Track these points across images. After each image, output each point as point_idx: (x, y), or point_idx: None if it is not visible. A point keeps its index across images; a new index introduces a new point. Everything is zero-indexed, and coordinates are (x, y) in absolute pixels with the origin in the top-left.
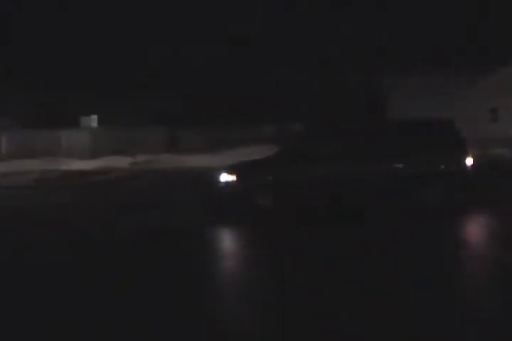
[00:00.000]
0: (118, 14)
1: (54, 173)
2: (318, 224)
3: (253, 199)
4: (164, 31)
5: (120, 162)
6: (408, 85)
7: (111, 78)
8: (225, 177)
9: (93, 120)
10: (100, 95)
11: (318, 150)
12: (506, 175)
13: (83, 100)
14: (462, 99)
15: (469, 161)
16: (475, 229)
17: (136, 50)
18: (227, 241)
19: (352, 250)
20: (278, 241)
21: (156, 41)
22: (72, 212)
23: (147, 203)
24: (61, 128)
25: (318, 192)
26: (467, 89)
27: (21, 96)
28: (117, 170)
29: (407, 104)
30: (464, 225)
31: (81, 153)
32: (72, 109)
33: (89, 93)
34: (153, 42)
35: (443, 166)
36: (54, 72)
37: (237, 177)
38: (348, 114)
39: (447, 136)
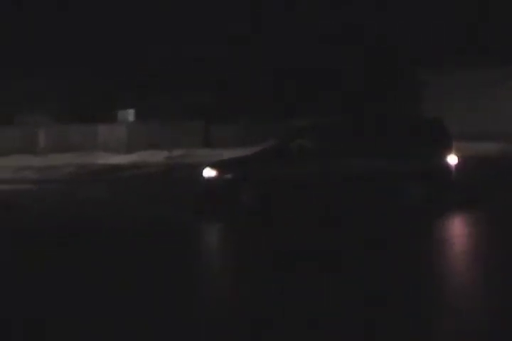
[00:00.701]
0: (152, 11)
1: (90, 167)
2: (295, 221)
3: (233, 194)
4: (196, 30)
5: (155, 156)
6: (440, 83)
7: (148, 73)
8: (208, 173)
9: (130, 114)
10: (138, 89)
11: (301, 147)
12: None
13: (121, 94)
14: (497, 96)
15: (453, 160)
16: (449, 232)
17: (173, 46)
18: (202, 235)
19: (326, 250)
20: (255, 238)
21: (191, 40)
22: (93, 206)
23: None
24: (98, 122)
25: (297, 189)
26: (502, 86)
27: (57, 92)
28: (152, 165)
29: (439, 101)
30: (438, 227)
31: (117, 147)
32: (110, 103)
33: (126, 87)
34: (189, 41)
35: (425, 165)
36: (91, 67)
37: (217, 172)
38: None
39: (431, 135)
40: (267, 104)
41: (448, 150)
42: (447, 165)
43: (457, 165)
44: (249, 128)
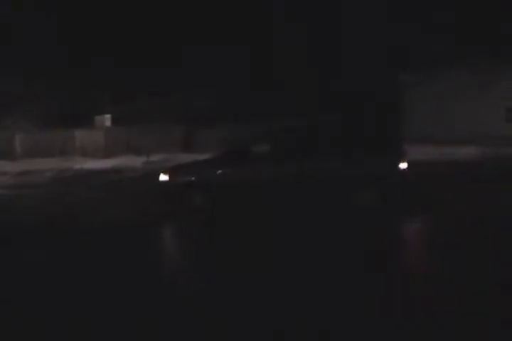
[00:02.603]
0: (134, 14)
1: (67, 172)
2: (244, 224)
3: (186, 197)
4: (177, 31)
5: (134, 161)
6: (423, 84)
7: (125, 77)
8: (161, 177)
9: (107, 119)
10: (114, 94)
11: (257, 151)
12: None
13: (97, 99)
14: (477, 99)
15: (403, 166)
16: (396, 235)
17: (150, 48)
18: (155, 236)
19: (271, 250)
20: (198, 241)
21: (169, 41)
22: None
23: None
24: (75, 127)
25: (249, 192)
26: (482, 89)
27: (35, 96)
28: (130, 170)
29: (426, 102)
30: (387, 230)
31: (95, 152)
32: (86, 108)
33: (103, 92)
34: (167, 42)
35: (378, 169)
36: (68, 72)
37: (171, 176)
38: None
39: (383, 139)
40: (250, 109)
41: (400, 155)
42: (400, 170)
43: (409, 170)
44: (230, 132)
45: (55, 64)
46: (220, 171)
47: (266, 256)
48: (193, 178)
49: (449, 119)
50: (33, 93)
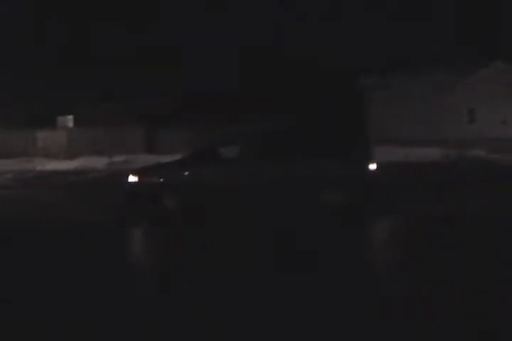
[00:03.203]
0: (102, 12)
1: (29, 174)
2: (213, 224)
3: (154, 198)
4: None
5: (96, 162)
6: (387, 87)
7: (88, 78)
8: (131, 179)
9: (69, 120)
10: (77, 95)
11: (224, 152)
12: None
13: (59, 100)
14: (440, 101)
15: (373, 167)
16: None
17: (112, 49)
18: (125, 236)
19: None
20: (162, 242)
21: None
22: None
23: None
24: (37, 128)
25: (216, 194)
26: (445, 91)
27: None
28: (93, 171)
29: (386, 105)
30: (353, 233)
31: (57, 153)
32: (48, 109)
33: (65, 93)
34: (130, 41)
35: (343, 171)
36: (30, 72)
37: (139, 177)
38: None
39: (351, 141)
40: (214, 111)
41: (369, 157)
42: (369, 172)
43: (378, 172)
44: (194, 134)
45: (17, 64)
46: (188, 172)
47: (240, 255)
48: (161, 179)
49: (412, 120)
50: None
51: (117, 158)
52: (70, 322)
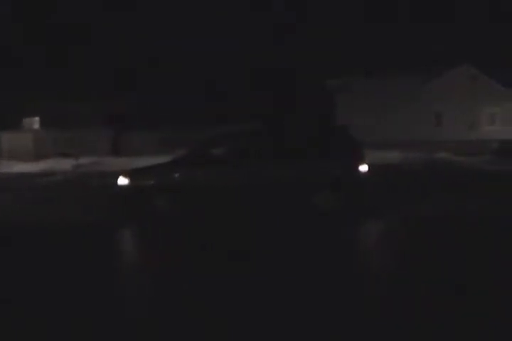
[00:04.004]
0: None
1: None
2: (204, 225)
3: (145, 200)
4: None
5: (63, 164)
6: (355, 89)
7: (55, 79)
8: (121, 181)
9: (35, 121)
10: (43, 97)
11: (212, 155)
12: (415, 182)
13: (26, 101)
14: (407, 104)
15: (363, 168)
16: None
17: (79, 50)
18: (119, 237)
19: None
20: (156, 243)
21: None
22: None
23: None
24: (2, 130)
25: (205, 195)
26: (413, 94)
27: None
28: (59, 173)
29: (352, 110)
30: (345, 234)
31: (23, 155)
32: (14, 110)
33: (31, 94)
34: (99, 44)
35: (334, 173)
36: None
37: (130, 179)
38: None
39: (340, 143)
40: (181, 112)
41: (359, 158)
42: (359, 174)
43: (368, 174)
44: (162, 135)
45: None
46: (178, 174)
47: (236, 256)
48: (152, 181)
49: (379, 123)
50: None
51: (84, 160)
52: (70, 322)
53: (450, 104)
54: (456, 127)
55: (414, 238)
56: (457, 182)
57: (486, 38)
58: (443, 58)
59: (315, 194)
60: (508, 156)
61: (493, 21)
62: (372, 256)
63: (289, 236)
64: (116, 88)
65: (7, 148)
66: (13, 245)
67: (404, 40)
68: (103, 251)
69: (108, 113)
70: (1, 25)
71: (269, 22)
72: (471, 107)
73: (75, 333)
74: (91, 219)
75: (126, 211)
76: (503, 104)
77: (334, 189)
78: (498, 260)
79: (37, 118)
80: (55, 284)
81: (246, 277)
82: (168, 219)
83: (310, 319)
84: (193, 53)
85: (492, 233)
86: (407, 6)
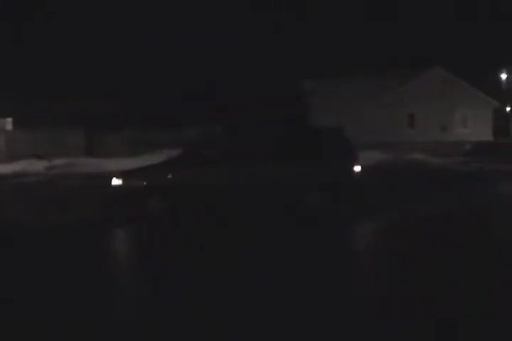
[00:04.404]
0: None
1: None
2: (197, 226)
3: (137, 202)
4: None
5: (36, 166)
6: (329, 91)
7: (27, 80)
8: (114, 182)
9: (8, 122)
10: (15, 97)
11: (206, 155)
12: (401, 183)
13: None
14: (380, 106)
15: (357, 169)
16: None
17: (51, 50)
18: (115, 238)
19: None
20: (151, 244)
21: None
22: None
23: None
24: None
25: (199, 196)
26: (386, 96)
27: None
28: (32, 175)
29: (326, 110)
30: (339, 235)
31: None
32: None
33: (3, 95)
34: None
35: (328, 175)
36: None
37: (122, 181)
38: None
39: (334, 144)
40: (154, 115)
41: (353, 159)
42: (353, 175)
43: (362, 174)
44: (136, 136)
45: None
46: (171, 174)
47: (232, 256)
48: (145, 182)
49: (352, 124)
50: None
51: (58, 161)
52: (70, 322)
53: (423, 106)
54: (429, 129)
55: (414, 237)
56: (440, 183)
57: (460, 40)
58: (417, 60)
59: (312, 194)
60: (480, 157)
61: (467, 24)
62: (372, 255)
63: (288, 237)
64: (93, 88)
65: None
66: None
67: (378, 41)
68: (100, 251)
69: (83, 113)
70: None
71: (269, 22)
72: (443, 109)
73: (74, 333)
74: (73, 221)
75: (121, 211)
76: (474, 106)
77: (331, 189)
78: (499, 260)
79: (9, 119)
80: (51, 283)
81: (245, 277)
82: (162, 219)
83: (310, 319)
84: (193, 53)
85: (490, 232)
86: (380, 8)
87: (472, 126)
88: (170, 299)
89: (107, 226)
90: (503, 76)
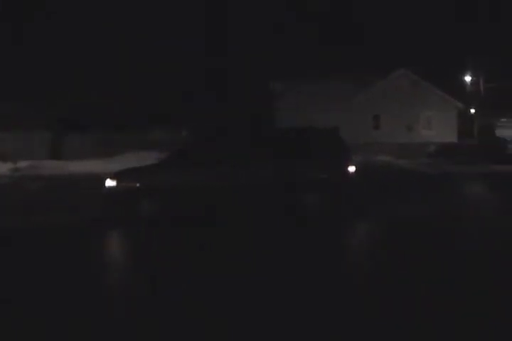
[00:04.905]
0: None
1: None
2: (192, 227)
3: (131, 203)
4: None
5: (1, 168)
6: (295, 94)
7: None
8: (108, 183)
9: None
10: None
11: (199, 156)
12: (385, 183)
13: None
14: (346, 107)
15: (352, 169)
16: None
17: (16, 50)
18: (100, 242)
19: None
20: (147, 244)
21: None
22: None
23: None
24: None
25: (189, 199)
26: (352, 98)
27: None
28: None
29: (293, 112)
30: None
31: None
32: None
33: None
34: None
35: (323, 175)
36: None
37: (117, 182)
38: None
39: (329, 144)
40: (121, 116)
41: (347, 160)
42: (347, 176)
43: (356, 175)
44: (102, 139)
45: None
46: (165, 175)
47: (234, 256)
48: (139, 183)
49: (320, 126)
50: None
51: (22, 164)
52: (70, 322)
53: (388, 108)
54: (394, 130)
55: (413, 237)
56: (415, 185)
57: (425, 42)
58: (382, 62)
59: (308, 194)
60: (444, 159)
61: (433, 26)
62: (371, 255)
63: (286, 237)
64: (56, 89)
65: None
66: None
67: (345, 43)
68: (96, 252)
69: (49, 114)
70: None
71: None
72: (408, 111)
73: (74, 333)
74: (66, 222)
75: (115, 212)
76: (440, 108)
77: (327, 189)
78: (497, 260)
79: None
80: (50, 283)
81: (245, 277)
82: (155, 220)
83: (310, 319)
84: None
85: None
86: (350, 10)
87: (437, 127)
88: (170, 299)
89: (102, 227)
90: (468, 78)
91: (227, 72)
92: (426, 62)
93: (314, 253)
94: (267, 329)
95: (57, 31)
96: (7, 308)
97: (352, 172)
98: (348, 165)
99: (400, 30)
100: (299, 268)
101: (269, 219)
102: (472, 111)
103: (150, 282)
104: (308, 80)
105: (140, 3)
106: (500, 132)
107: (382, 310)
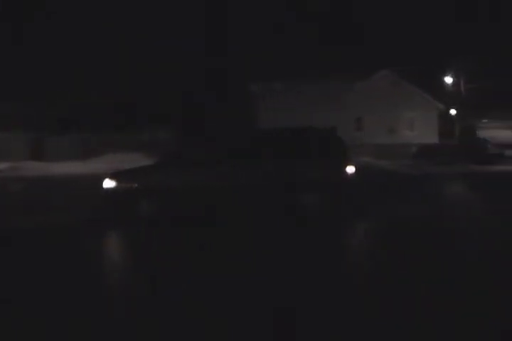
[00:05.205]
0: None
1: None
2: (189, 227)
3: (130, 203)
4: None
5: None
6: (277, 95)
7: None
8: (107, 184)
9: None
10: None
11: (197, 157)
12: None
13: None
14: (329, 108)
15: (350, 169)
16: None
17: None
18: (100, 243)
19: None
20: (147, 244)
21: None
22: None
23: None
24: None
25: (188, 199)
26: (334, 98)
27: None
28: None
29: (275, 113)
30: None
31: None
32: None
33: None
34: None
35: (322, 175)
36: None
37: (116, 182)
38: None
39: (329, 144)
40: (104, 117)
41: (346, 160)
42: (346, 176)
43: (355, 175)
44: (83, 140)
45: None
46: (164, 175)
47: (233, 256)
48: (138, 183)
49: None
50: None
51: (2, 165)
52: (70, 322)
53: (370, 109)
54: (376, 131)
55: (413, 237)
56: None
57: (407, 43)
58: (364, 63)
59: (308, 194)
60: (425, 160)
61: (415, 26)
62: (371, 255)
63: (286, 237)
64: (36, 89)
65: None
66: None
67: (326, 44)
68: (96, 252)
69: (30, 115)
70: None
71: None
72: (390, 112)
73: (74, 333)
74: (66, 222)
75: (114, 213)
76: (421, 109)
77: (327, 190)
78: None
79: None
80: (50, 284)
81: (245, 277)
82: (156, 220)
83: (310, 319)
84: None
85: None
86: (332, 11)
87: (419, 128)
88: (170, 299)
89: (101, 227)
90: (448, 79)
91: (227, 72)
92: (407, 62)
93: (314, 253)
94: (267, 329)
95: (57, 31)
96: (7, 308)
97: (351, 173)
98: (347, 165)
99: (381, 31)
100: (299, 268)
101: (269, 219)
102: (453, 111)
103: (150, 282)
104: (290, 82)
105: (140, 3)
106: (482, 133)
107: (382, 310)
